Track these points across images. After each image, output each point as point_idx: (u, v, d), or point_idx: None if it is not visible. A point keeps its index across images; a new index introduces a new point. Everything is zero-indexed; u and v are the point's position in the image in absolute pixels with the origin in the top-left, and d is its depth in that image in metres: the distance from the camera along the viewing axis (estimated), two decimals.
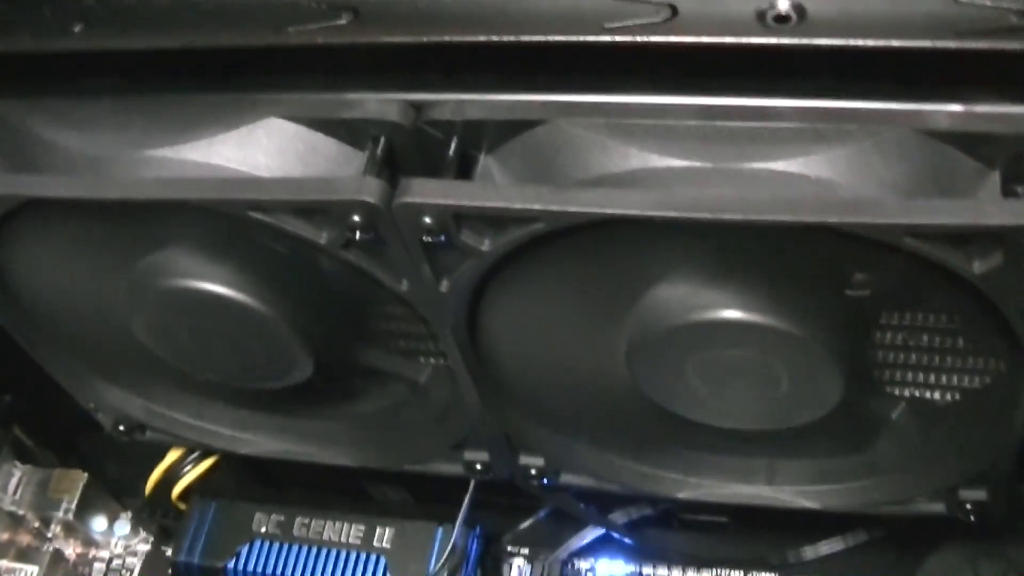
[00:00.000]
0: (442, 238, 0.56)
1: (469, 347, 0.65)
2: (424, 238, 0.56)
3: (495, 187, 0.56)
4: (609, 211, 0.52)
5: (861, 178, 0.53)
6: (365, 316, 0.69)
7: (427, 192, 0.55)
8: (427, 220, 0.55)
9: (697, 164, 0.55)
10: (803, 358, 0.60)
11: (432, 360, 0.71)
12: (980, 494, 0.69)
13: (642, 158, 0.55)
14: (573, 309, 0.62)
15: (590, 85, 0.56)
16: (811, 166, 0.54)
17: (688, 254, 0.57)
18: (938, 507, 0.71)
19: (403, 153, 0.59)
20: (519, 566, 0.86)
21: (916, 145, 0.53)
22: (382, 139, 0.58)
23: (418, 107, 0.58)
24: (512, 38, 0.54)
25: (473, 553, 0.82)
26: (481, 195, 0.55)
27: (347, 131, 0.59)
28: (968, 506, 0.70)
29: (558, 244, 0.56)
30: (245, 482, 0.93)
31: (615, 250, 0.58)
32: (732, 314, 0.58)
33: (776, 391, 0.62)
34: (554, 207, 0.53)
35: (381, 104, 0.58)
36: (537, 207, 0.53)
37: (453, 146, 0.58)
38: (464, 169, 0.58)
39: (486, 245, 0.56)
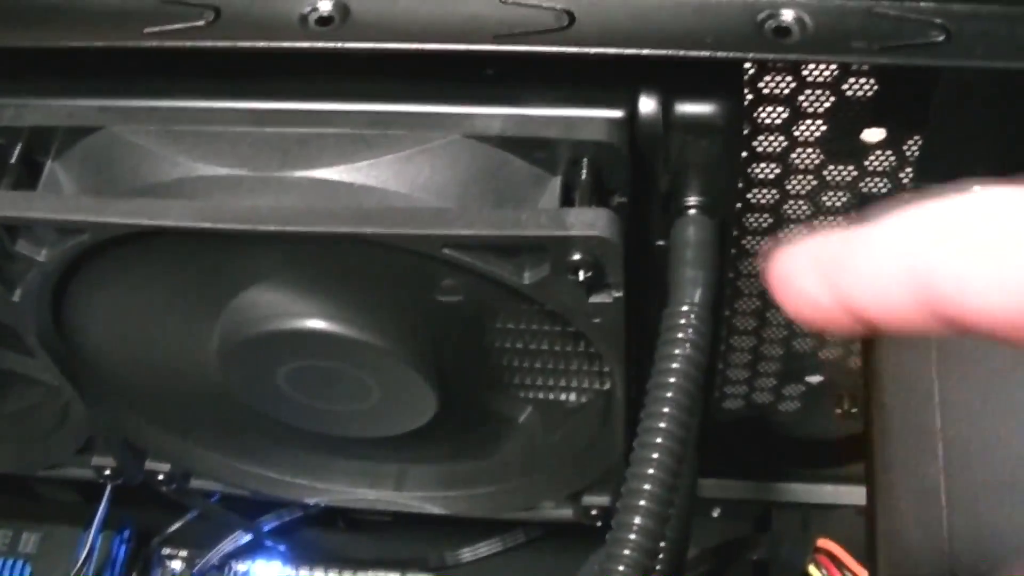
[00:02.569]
0: None
1: (63, 352, 0.63)
2: None
3: (40, 197, 0.55)
4: (143, 222, 0.52)
5: (409, 186, 0.53)
6: None
7: None
8: None
9: (242, 172, 0.53)
10: (390, 369, 0.59)
11: None
12: (604, 499, 0.69)
13: (188, 166, 0.54)
14: (163, 311, 0.61)
15: (141, 91, 0.55)
16: (356, 173, 0.53)
17: (262, 262, 0.56)
18: (566, 513, 0.71)
19: None
20: (173, 569, 0.84)
21: (468, 151, 0.53)
22: None
23: None
24: (64, 43, 0.53)
25: (120, 557, 0.81)
26: (24, 206, 0.53)
27: None
28: (593, 511, 0.70)
29: (130, 249, 0.55)
30: None
31: (189, 255, 0.57)
32: (310, 324, 0.58)
33: (369, 401, 0.62)
34: (91, 218, 0.52)
35: None
36: (76, 218, 0.52)
37: (16, 152, 0.56)
38: (34, 176, 0.56)
39: (43, 255, 0.55)
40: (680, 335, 0.51)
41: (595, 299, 0.53)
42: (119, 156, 0.55)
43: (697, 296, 0.51)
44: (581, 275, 0.51)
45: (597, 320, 0.54)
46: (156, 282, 0.59)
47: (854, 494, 0.81)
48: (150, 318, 0.61)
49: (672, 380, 0.50)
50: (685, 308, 0.51)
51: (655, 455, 0.48)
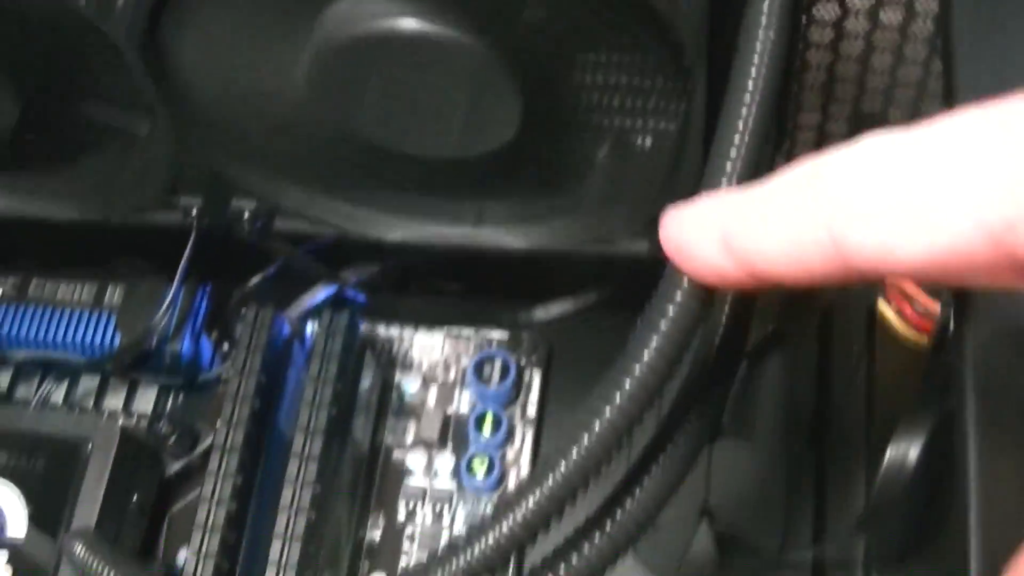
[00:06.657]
0: None
1: (160, 74, 0.64)
2: None
3: None
4: None
5: None
6: (78, 60, 0.68)
7: None
8: None
9: None
10: (479, 73, 0.60)
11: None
12: None
13: None
14: (258, 25, 0.62)
15: None
16: None
17: None
18: (642, 245, 0.72)
19: None
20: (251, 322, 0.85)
21: None
22: None
23: None
24: None
25: (202, 308, 0.83)
26: None
27: None
28: None
29: None
30: None
31: None
32: (404, 23, 0.59)
33: (456, 115, 0.63)
34: None
35: None
36: None
37: None
38: None
39: None
40: (764, 20, 0.52)
41: None
42: None
43: None
44: None
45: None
46: None
47: None
48: (243, 31, 0.62)
49: (757, 60, 0.51)
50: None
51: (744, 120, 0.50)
